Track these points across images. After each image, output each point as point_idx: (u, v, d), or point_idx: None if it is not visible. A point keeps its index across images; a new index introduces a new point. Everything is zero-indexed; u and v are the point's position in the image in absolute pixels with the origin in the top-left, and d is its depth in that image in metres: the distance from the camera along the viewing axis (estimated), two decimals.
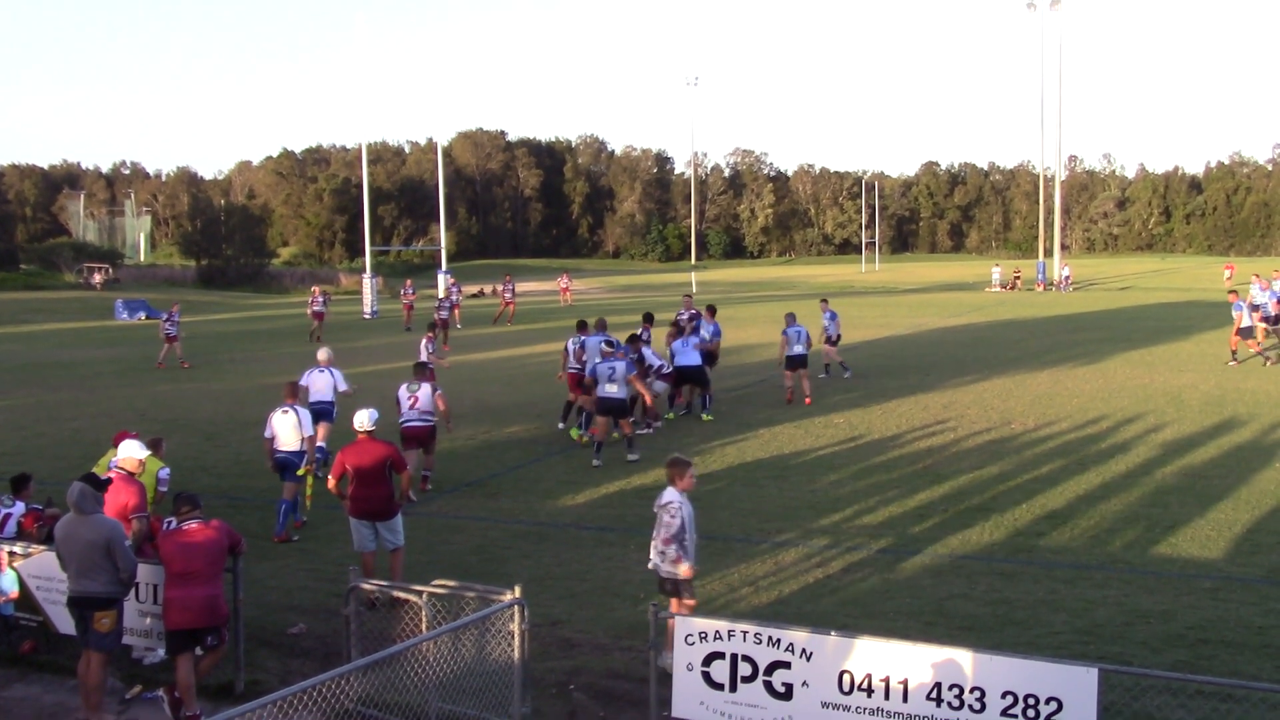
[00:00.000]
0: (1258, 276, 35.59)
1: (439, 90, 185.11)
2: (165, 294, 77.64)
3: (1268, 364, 29.27)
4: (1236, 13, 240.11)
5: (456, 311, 47.60)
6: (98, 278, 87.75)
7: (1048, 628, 10.58)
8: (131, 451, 11.10)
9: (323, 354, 19.15)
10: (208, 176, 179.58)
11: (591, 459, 18.44)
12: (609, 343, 19.96)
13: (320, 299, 46.38)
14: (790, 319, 24.79)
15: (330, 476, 12.18)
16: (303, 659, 10.22)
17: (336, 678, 7.27)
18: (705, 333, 24.25)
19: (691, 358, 22.35)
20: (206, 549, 9.15)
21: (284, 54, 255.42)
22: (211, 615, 9.14)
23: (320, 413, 17.61)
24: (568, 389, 21.56)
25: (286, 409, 14.98)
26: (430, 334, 24.39)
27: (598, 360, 19.27)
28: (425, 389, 16.93)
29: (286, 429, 14.81)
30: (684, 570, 9.65)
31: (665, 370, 22.19)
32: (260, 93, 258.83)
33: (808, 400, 23.91)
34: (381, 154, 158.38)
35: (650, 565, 10.01)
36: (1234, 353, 29.96)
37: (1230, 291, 30.61)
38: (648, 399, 20.05)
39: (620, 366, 18.76)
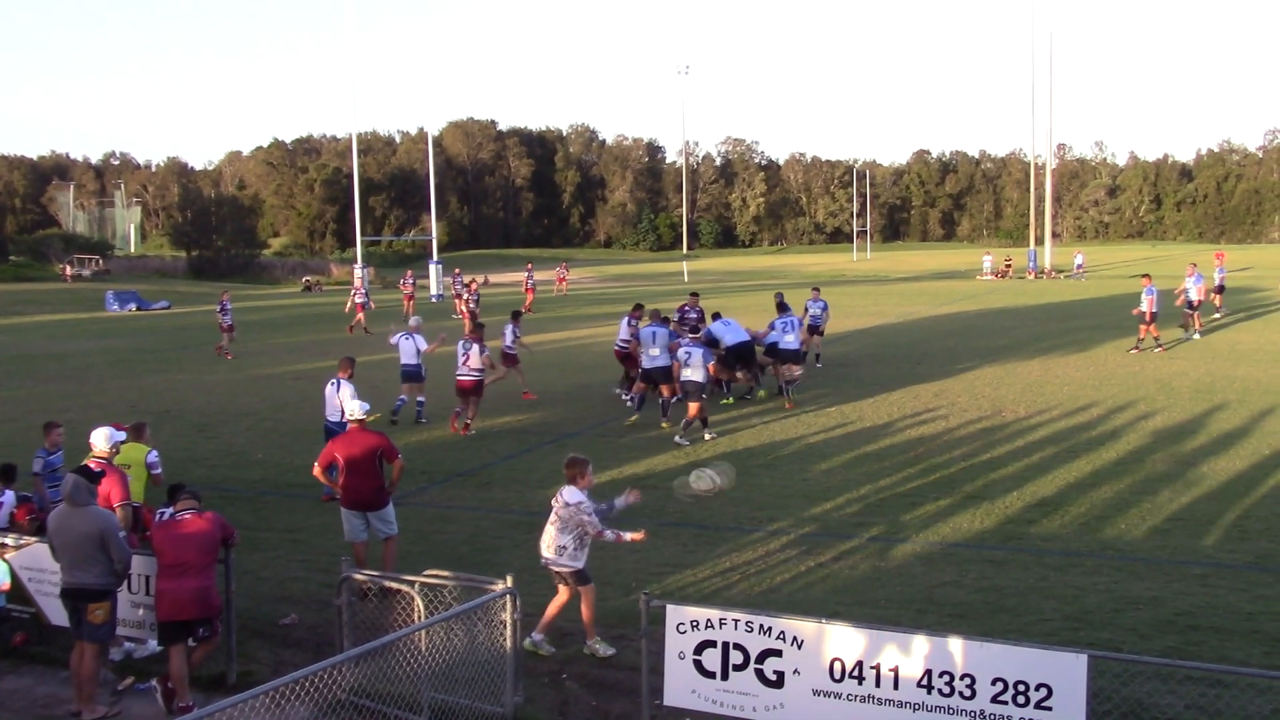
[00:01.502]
0: (1194, 266, 36.27)
1: (430, 80, 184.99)
2: (156, 285, 77.52)
3: (1159, 350, 29.63)
4: (1228, 1, 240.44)
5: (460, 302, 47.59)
6: (69, 270, 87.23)
7: (1038, 615, 10.63)
8: (96, 439, 11.05)
9: (412, 321, 23.36)
10: (198, 167, 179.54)
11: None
12: (699, 317, 23.02)
13: (363, 290, 46.10)
14: (780, 308, 24.61)
15: (317, 464, 12.18)
16: (295, 650, 10.24)
17: (329, 668, 7.29)
18: (816, 310, 27.28)
19: (742, 335, 22.78)
20: (198, 540, 9.15)
21: (275, 43, 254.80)
22: (203, 607, 9.14)
23: (409, 374, 21.51)
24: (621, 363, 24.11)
25: (334, 381, 16.28)
26: (514, 321, 24.82)
27: (682, 347, 20.32)
28: (474, 349, 20.25)
29: (331, 400, 16.19)
30: (636, 536, 10.15)
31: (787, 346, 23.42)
32: (251, 82, 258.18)
33: (788, 405, 22.77)
34: (372, 144, 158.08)
35: (549, 563, 10.15)
36: (1140, 340, 30.39)
37: (1143, 275, 31.14)
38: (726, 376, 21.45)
39: (698, 352, 19.61)
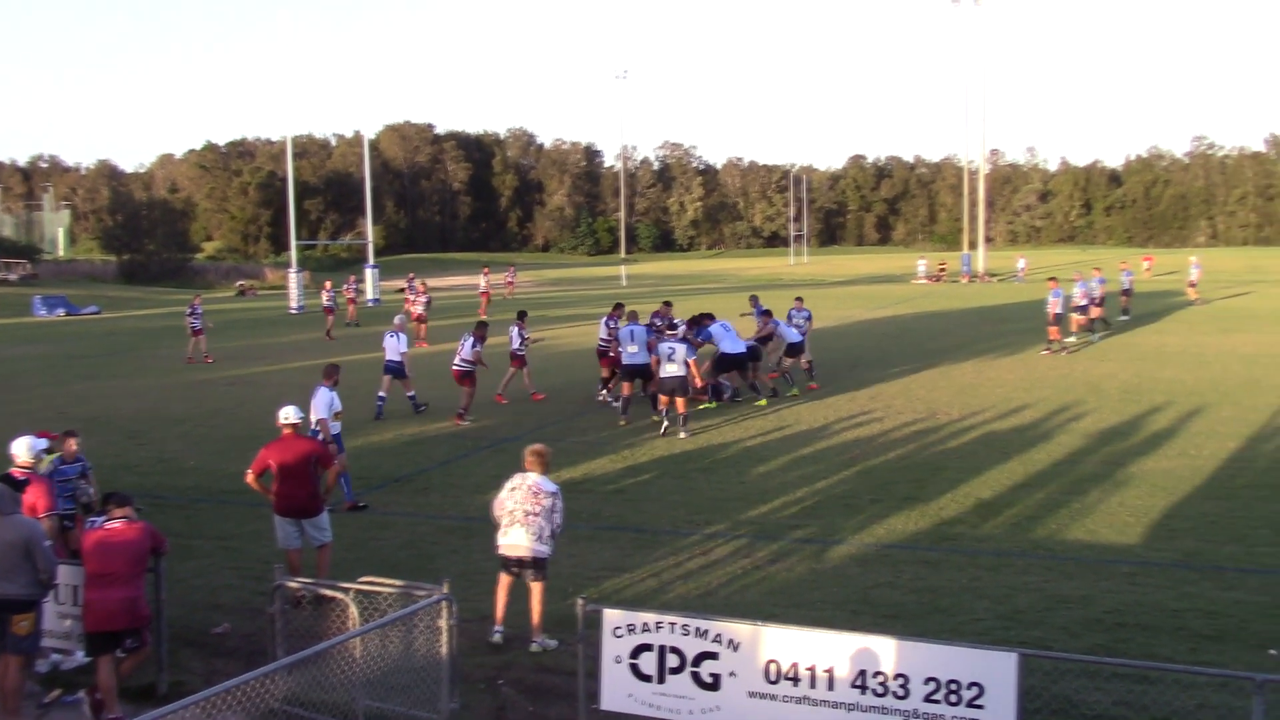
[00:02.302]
0: (1097, 270, 37.61)
1: (366, 83, 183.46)
2: (85, 290, 76.14)
3: (1048, 353, 30.31)
4: (1155, 9, 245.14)
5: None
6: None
7: (971, 614, 10.76)
8: (17, 449, 10.83)
9: (397, 319, 24.74)
10: (129, 170, 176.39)
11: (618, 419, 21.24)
12: (672, 325, 22.56)
13: (329, 293, 45.31)
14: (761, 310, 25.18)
15: (250, 471, 11.99)
16: (227, 659, 10.10)
17: (261, 677, 7.19)
18: (800, 319, 26.78)
19: (737, 345, 23.08)
20: (126, 549, 9.00)
21: (207, 45, 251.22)
22: (131, 617, 8.99)
23: (393, 370, 22.94)
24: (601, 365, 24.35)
25: (317, 388, 15.73)
26: (520, 322, 24.99)
27: (660, 344, 20.64)
28: (468, 341, 22.23)
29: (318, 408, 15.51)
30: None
31: (796, 339, 24.80)
32: (182, 84, 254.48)
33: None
34: (307, 147, 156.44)
35: (534, 553, 10.24)
36: (1055, 341, 30.99)
37: (1050, 279, 32.12)
38: (698, 381, 21.13)
39: (680, 348, 20.04)
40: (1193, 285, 50.15)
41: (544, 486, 10.29)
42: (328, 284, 47.24)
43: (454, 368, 22.34)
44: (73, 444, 12.27)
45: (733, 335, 23.39)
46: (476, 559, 13.01)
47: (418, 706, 8.51)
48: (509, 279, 68.67)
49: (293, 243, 66.29)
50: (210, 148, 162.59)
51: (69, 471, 12.11)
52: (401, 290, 77.37)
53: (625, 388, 21.84)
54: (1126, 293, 41.46)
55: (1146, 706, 8.42)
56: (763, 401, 23.08)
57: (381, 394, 22.64)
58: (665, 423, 20.09)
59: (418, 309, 39.37)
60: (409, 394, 23.03)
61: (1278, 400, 22.26)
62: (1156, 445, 18.33)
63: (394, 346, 23.07)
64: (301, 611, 10.07)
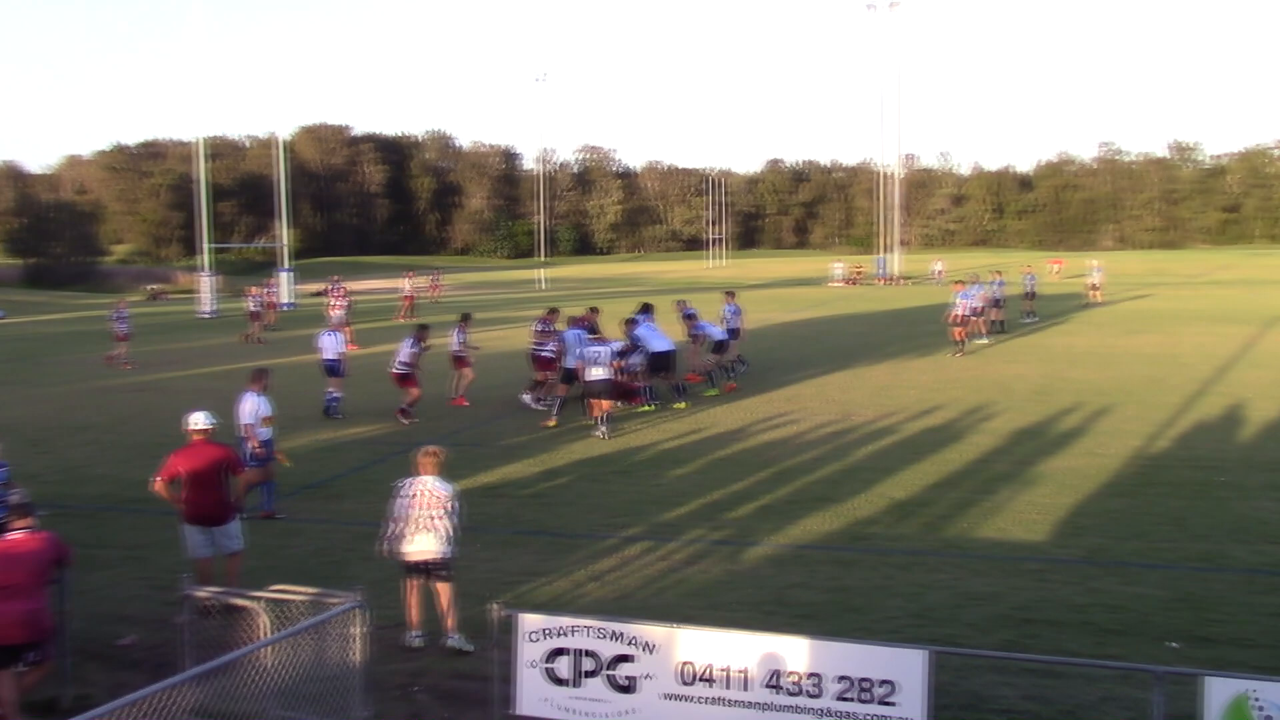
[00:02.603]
0: (997, 274, 38.82)
1: (280, 84, 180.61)
2: None
3: (956, 355, 30.97)
4: (1065, 17, 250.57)
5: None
6: None
7: (883, 613, 10.91)
8: None
9: (335, 318, 26.79)
10: (34, 171, 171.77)
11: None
12: (591, 330, 22.32)
13: (254, 298, 44.03)
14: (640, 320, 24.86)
15: (158, 478, 11.75)
16: (133, 671, 9.88)
17: (168, 689, 7.06)
18: (729, 313, 26.96)
19: (664, 344, 23.27)
20: (27, 561, 8.77)
21: (116, 43, 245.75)
22: (33, 630, 8.76)
23: (330, 369, 23.26)
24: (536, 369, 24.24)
25: (244, 394, 15.21)
26: (463, 324, 24.91)
27: (584, 348, 21.06)
28: (405, 343, 22.41)
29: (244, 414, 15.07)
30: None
31: (720, 337, 25.27)
32: (90, 84, 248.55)
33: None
34: (220, 149, 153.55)
35: (443, 555, 10.33)
36: (960, 343, 31.67)
37: (956, 282, 32.94)
38: (633, 384, 22.12)
39: (605, 351, 20.63)
40: (1095, 288, 51.35)
41: (442, 488, 10.37)
42: (252, 290, 46.18)
43: (393, 370, 22.58)
44: None
45: (659, 334, 23.57)
46: (390, 566, 12.83)
47: (331, 715, 8.40)
48: (434, 283, 68.06)
49: (205, 246, 65.09)
50: (119, 149, 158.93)
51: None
52: (321, 293, 76.78)
53: (561, 389, 22.06)
54: (1030, 296, 42.30)
55: (1053, 700, 8.61)
56: (682, 404, 23.15)
57: (335, 393, 23.09)
58: (604, 430, 20.19)
59: (337, 312, 38.80)
60: (332, 393, 23.05)
61: (1179, 399, 22.87)
62: (1064, 444, 18.73)
63: (331, 345, 23.52)
64: (211, 621, 9.88)
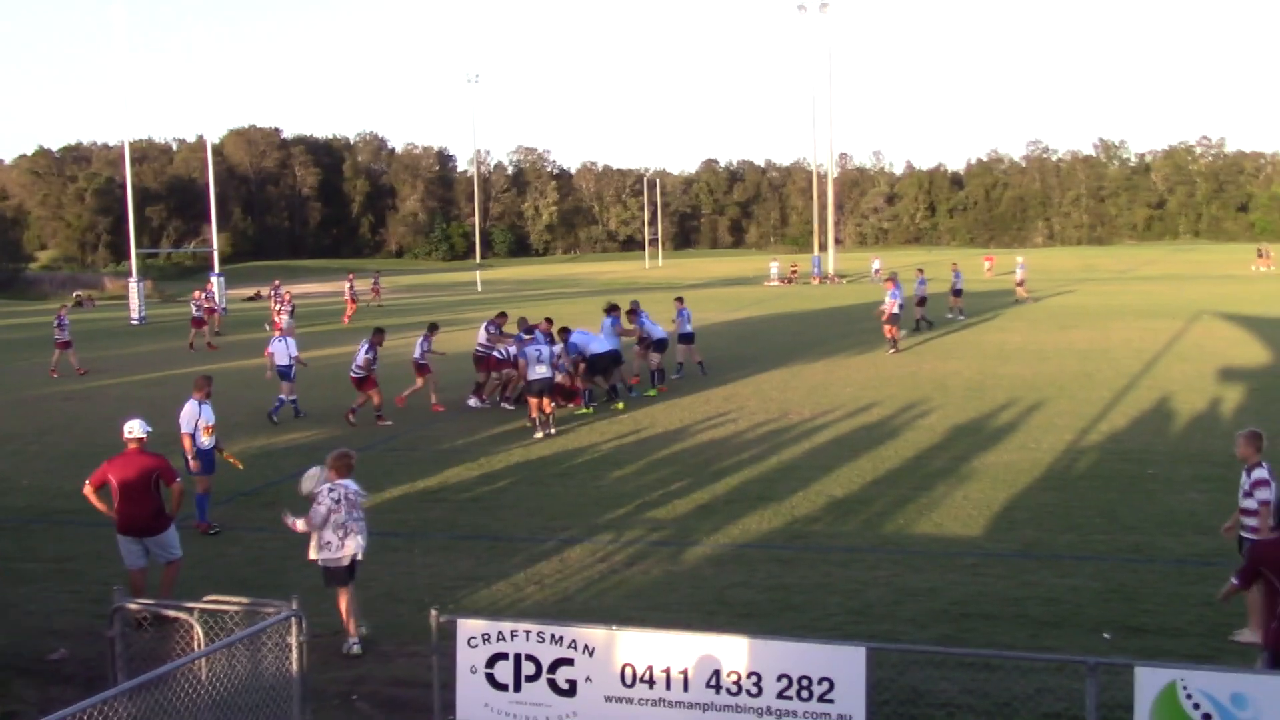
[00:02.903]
0: (920, 271, 39.54)
1: (207, 85, 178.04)
2: None
3: (891, 352, 31.28)
4: (994, 18, 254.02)
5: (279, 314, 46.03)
6: None
7: (823, 610, 10.97)
8: None
9: (285, 325, 27.86)
10: None
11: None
12: (528, 330, 22.12)
13: (196, 303, 42.53)
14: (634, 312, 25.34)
15: (88, 482, 11.52)
16: (65, 686, 9.68)
17: (100, 703, 6.92)
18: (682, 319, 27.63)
19: (604, 345, 23.30)
20: None
21: (36, 45, 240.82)
22: None
23: (282, 373, 23.40)
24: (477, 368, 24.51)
25: (188, 402, 14.93)
26: (430, 333, 24.39)
27: (528, 348, 21.03)
28: (361, 348, 22.28)
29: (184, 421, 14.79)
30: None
31: (661, 335, 25.61)
32: (10, 87, 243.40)
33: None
34: (148, 152, 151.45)
35: (362, 553, 10.52)
36: (893, 340, 31.99)
37: (887, 280, 33.44)
38: (577, 384, 22.69)
39: (547, 350, 20.88)
40: (1020, 284, 52.09)
41: (358, 490, 10.57)
42: (198, 293, 45.19)
43: (351, 375, 22.54)
44: None
45: (596, 337, 23.58)
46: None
47: None
48: (374, 286, 67.50)
49: (133, 251, 63.92)
50: (42, 153, 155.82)
51: None
52: (255, 298, 75.99)
53: (531, 404, 21.03)
54: (957, 293, 42.71)
55: (990, 693, 8.71)
56: (620, 405, 23.14)
57: (283, 397, 23.30)
58: (543, 430, 20.30)
59: (284, 318, 38.12)
60: (281, 397, 23.23)
61: (1109, 394, 23.27)
62: (998, 440, 18.98)
63: (282, 350, 23.65)
64: (144, 634, 9.71)
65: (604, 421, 21.66)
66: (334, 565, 10.34)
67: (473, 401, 23.97)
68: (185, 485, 12.56)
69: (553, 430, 20.44)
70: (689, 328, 27.84)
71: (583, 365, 22.89)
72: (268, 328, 43.10)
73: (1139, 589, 11.38)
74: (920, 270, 40.17)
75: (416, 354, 24.04)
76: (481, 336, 24.47)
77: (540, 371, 20.51)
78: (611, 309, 24.48)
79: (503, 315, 25.05)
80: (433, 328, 24.71)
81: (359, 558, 10.46)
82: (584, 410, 22.57)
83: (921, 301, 37.81)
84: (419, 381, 23.93)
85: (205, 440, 14.74)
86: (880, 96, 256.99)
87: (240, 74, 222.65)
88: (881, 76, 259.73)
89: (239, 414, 22.48)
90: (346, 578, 10.35)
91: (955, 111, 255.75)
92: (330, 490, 10.32)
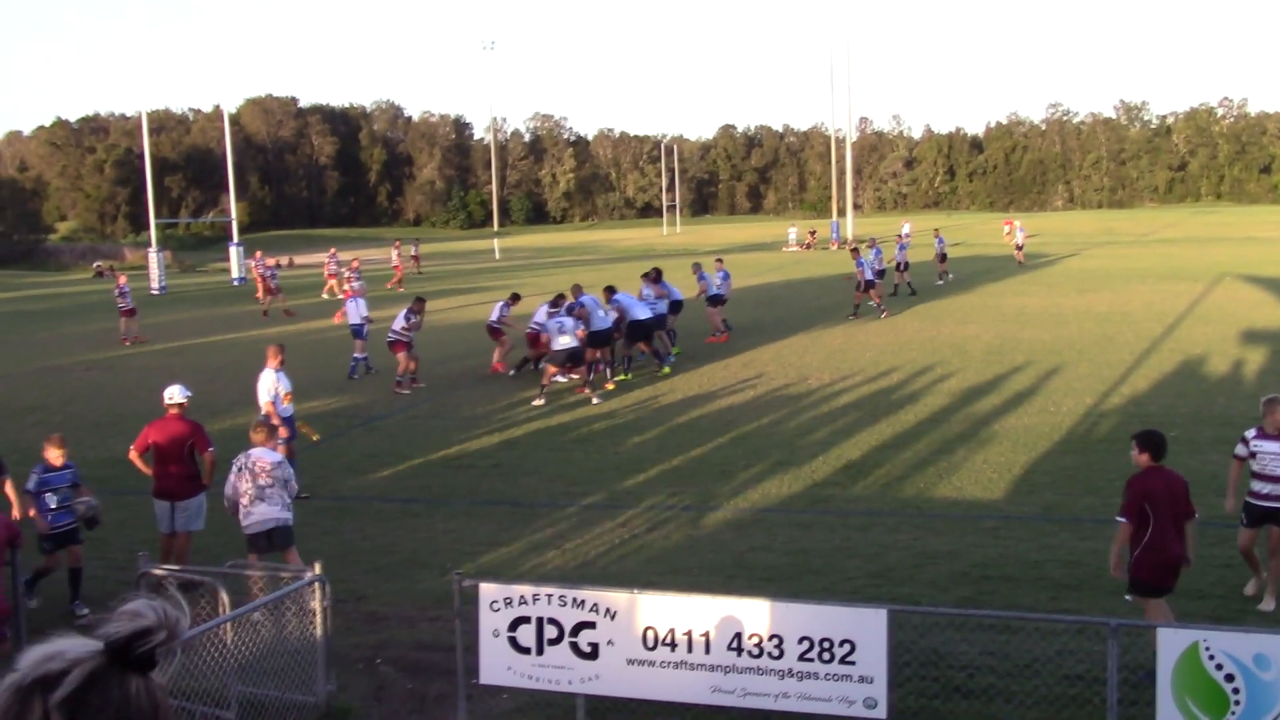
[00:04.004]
0: (872, 241, 39.61)
1: (224, 55, 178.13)
2: None
3: (884, 316, 31.36)
4: None
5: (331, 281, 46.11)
6: None
7: (843, 574, 10.99)
8: None
9: (356, 285, 28.43)
10: None
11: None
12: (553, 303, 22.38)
13: (267, 268, 42.00)
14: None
15: (133, 448, 11.75)
16: None
17: None
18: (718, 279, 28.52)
19: (646, 311, 23.24)
20: None
21: (55, 16, 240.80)
22: None
23: (355, 332, 24.40)
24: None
25: (264, 371, 14.95)
26: (510, 302, 24.57)
27: (550, 321, 21.35)
28: (401, 314, 22.75)
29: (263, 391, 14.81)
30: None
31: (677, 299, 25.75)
32: (29, 58, 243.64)
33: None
34: (165, 122, 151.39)
35: (279, 521, 10.45)
36: (856, 306, 32.11)
37: (853, 250, 33.44)
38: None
39: (569, 321, 20.81)
40: (1019, 248, 51.60)
41: (269, 458, 10.50)
42: (269, 262, 44.63)
43: (387, 340, 22.80)
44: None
45: (639, 302, 23.46)
46: (351, 538, 12.86)
47: (294, 690, 8.38)
48: (414, 254, 67.29)
49: (152, 221, 64.08)
50: (61, 124, 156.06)
51: (58, 481, 11.27)
52: (276, 267, 75.86)
53: (592, 354, 21.71)
54: (942, 258, 42.41)
55: (1010, 655, 8.72)
56: (666, 370, 23.15)
57: (357, 355, 24.28)
58: (545, 398, 20.33)
59: (355, 283, 37.57)
60: (356, 356, 24.26)
61: (1130, 357, 23.16)
62: (1018, 403, 18.92)
63: (354, 310, 24.58)
64: (168, 599, 9.79)
65: (621, 388, 21.67)
66: (248, 533, 10.43)
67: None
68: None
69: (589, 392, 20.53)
70: (726, 289, 28.22)
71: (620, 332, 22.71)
72: (256, 300, 42.04)
73: None
74: (872, 241, 39.93)
75: (494, 317, 24.28)
76: (540, 316, 23.28)
77: (564, 342, 20.48)
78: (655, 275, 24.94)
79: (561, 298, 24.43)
80: (515, 297, 24.74)
81: (275, 526, 10.36)
82: (623, 377, 22.56)
83: (880, 274, 36.60)
84: (505, 344, 24.26)
85: (286, 406, 14.76)
86: (899, 59, 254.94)
87: (256, 43, 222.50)
88: (900, 39, 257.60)
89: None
90: (265, 545, 10.40)
91: (975, 74, 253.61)
92: (235, 461, 10.44)
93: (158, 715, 1.86)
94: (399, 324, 22.62)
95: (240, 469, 10.35)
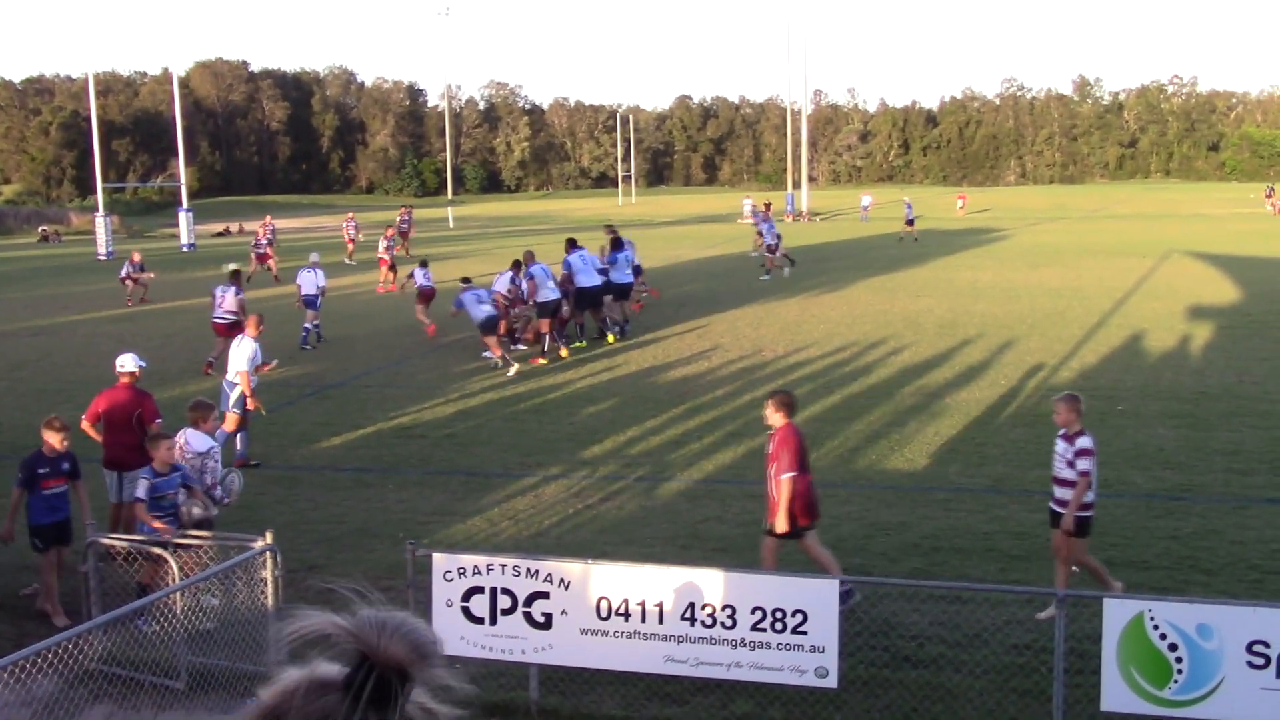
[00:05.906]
0: (767, 204, 41.41)
1: (173, 17, 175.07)
2: None
3: (765, 279, 33.88)
4: None
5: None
6: None
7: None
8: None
9: (314, 256, 26.43)
10: None
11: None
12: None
13: (258, 241, 41.02)
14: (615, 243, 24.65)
15: (84, 418, 11.60)
16: (40, 621, 9.67)
17: (75, 637, 6.94)
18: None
19: (594, 278, 22.77)
20: None
21: None
22: None
23: (308, 302, 23.79)
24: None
25: (242, 340, 14.91)
26: (516, 270, 23.33)
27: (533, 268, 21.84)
28: (229, 292, 21.53)
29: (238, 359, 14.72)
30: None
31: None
32: None
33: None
34: (112, 84, 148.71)
35: (208, 512, 10.06)
36: (768, 271, 34.50)
37: (753, 217, 35.35)
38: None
39: (484, 292, 21.17)
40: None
41: (195, 445, 10.29)
42: (261, 230, 43.42)
43: (217, 320, 21.41)
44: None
45: (586, 269, 22.74)
46: (302, 508, 12.78)
47: (243, 660, 8.33)
48: (403, 228, 65.77)
49: (99, 185, 63.01)
50: (4, 85, 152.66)
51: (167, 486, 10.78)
52: (224, 233, 75.02)
53: (543, 324, 21.77)
54: (910, 222, 43.30)
55: (959, 625, 8.83)
56: (611, 338, 23.11)
57: (308, 325, 23.79)
58: (516, 365, 20.26)
59: (381, 249, 36.67)
60: (306, 325, 23.82)
61: (1080, 331, 23.42)
62: (970, 377, 19.10)
63: (310, 280, 23.96)
64: (118, 568, 9.70)
65: (577, 358, 21.64)
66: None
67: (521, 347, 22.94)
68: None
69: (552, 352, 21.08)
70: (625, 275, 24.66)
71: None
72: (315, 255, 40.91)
73: (1107, 523, 11.49)
74: (767, 204, 41.23)
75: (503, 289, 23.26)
76: (503, 286, 22.90)
77: (485, 310, 20.60)
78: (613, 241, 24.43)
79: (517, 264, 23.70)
80: (516, 265, 24.34)
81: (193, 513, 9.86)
82: (578, 344, 22.48)
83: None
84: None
85: (254, 378, 14.75)
86: (855, 32, 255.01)
87: (206, 5, 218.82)
88: (857, 12, 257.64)
89: (208, 351, 22.28)
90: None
91: (931, 48, 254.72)
92: (176, 438, 10.24)
93: None
94: (424, 282, 24.18)
95: (174, 446, 10.08)
